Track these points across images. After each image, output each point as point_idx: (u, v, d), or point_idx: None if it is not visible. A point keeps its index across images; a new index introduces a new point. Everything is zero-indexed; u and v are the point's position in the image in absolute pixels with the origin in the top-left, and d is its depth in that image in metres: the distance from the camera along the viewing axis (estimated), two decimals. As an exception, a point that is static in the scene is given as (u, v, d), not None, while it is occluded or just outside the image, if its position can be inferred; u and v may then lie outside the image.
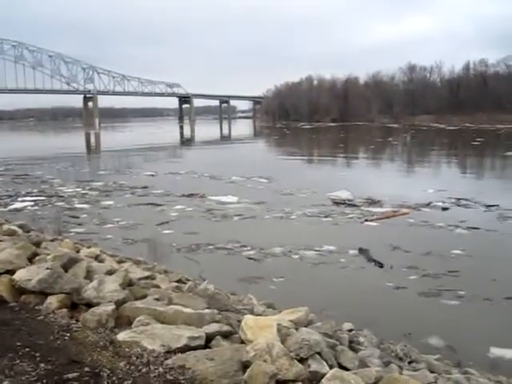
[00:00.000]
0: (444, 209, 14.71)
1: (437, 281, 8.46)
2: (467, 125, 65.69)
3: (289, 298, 6.66)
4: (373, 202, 15.51)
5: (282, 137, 57.92)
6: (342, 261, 9.80)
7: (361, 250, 10.24)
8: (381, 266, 9.36)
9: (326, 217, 13.76)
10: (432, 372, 4.51)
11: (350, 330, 5.61)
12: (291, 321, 4.28)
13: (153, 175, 23.61)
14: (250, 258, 10.03)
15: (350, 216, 13.78)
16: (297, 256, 10.14)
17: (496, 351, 6.05)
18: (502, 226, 12.48)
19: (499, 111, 70.58)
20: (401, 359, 4.84)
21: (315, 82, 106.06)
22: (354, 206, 15.14)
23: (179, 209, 15.19)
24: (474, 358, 5.73)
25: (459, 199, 15.82)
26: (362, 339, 5.20)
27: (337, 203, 15.51)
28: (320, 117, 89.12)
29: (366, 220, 13.21)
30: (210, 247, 10.75)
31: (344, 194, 16.48)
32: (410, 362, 4.81)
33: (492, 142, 44.26)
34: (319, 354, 3.41)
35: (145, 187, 19.47)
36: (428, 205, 15.09)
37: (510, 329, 6.68)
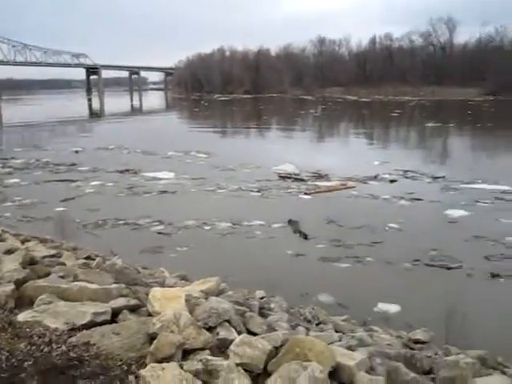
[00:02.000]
0: (392, 181, 14.91)
1: (351, 250, 8.76)
2: (377, 97, 68.16)
3: (204, 270, 6.64)
4: (320, 176, 15.42)
5: (203, 109, 56.78)
6: (267, 233, 9.84)
7: (290, 222, 10.28)
8: (305, 237, 9.47)
9: (265, 191, 13.61)
10: (338, 332, 4.73)
11: (262, 298, 5.73)
12: (202, 291, 4.30)
13: (77, 152, 21.68)
14: (160, 233, 9.89)
15: (293, 190, 13.70)
16: (219, 229, 10.11)
17: (382, 306, 6.58)
18: (444, 196, 12.87)
19: (403, 84, 74.00)
20: (309, 321, 5.02)
21: (227, 54, 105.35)
22: (301, 180, 15.00)
23: (96, 185, 14.46)
24: (361, 312, 6.20)
25: (406, 171, 16.09)
26: (272, 305, 5.33)
27: (283, 177, 15.28)
28: (233, 88, 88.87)
29: (307, 193, 13.17)
30: (121, 222, 10.49)
31: (289, 168, 16.31)
32: (317, 324, 5.01)
33: (409, 114, 46.16)
34: (228, 321, 3.44)
35: (73, 164, 18.10)
36: (375, 177, 15.24)
37: (397, 288, 7.20)
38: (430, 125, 32.65)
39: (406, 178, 15.28)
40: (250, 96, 78.37)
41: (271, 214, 10.89)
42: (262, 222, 10.37)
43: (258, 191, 13.50)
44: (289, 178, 15.15)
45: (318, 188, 13.73)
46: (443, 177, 14.95)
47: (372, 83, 76.73)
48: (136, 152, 21.19)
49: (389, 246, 8.84)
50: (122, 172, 16.36)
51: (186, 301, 3.53)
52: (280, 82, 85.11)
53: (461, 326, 5.41)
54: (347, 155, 21.26)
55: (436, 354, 4.41)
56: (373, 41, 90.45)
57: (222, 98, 74.89)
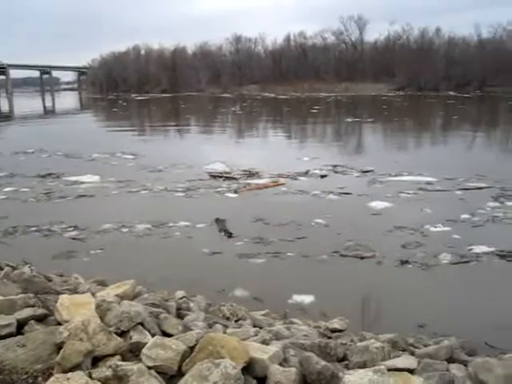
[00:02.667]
0: (322, 176, 15.07)
1: (272, 246, 8.77)
2: (293, 93, 69.40)
3: (122, 273, 6.48)
4: (251, 174, 15.32)
5: (122, 109, 54.85)
6: (190, 233, 9.68)
7: (216, 221, 10.17)
8: (230, 235, 9.40)
9: (193, 190, 13.33)
10: (256, 327, 4.78)
11: (182, 298, 5.68)
12: (117, 295, 4.19)
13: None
14: (75, 238, 9.48)
15: (223, 189, 13.52)
16: (139, 231, 9.82)
17: (297, 298, 6.75)
18: (371, 189, 13.17)
19: (318, 81, 76.00)
20: (228, 319, 5.04)
21: (143, 52, 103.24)
22: (233, 178, 14.83)
23: (9, 191, 13.43)
24: (276, 305, 6.33)
25: (335, 166, 16.33)
26: (192, 305, 5.30)
27: (214, 176, 15.05)
28: (150, 87, 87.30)
29: (237, 192, 13.07)
30: (33, 229, 9.94)
31: (220, 167, 16.12)
32: (236, 321, 5.04)
33: (328, 110, 47.13)
34: (142, 324, 3.38)
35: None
36: (306, 173, 15.32)
37: (312, 279, 7.41)
38: (349, 120, 33.59)
39: (336, 172, 15.59)
40: (168, 95, 77.25)
41: (198, 214, 10.75)
42: (186, 223, 10.19)
43: (186, 191, 13.25)
44: (220, 177, 15.02)
45: (248, 186, 13.72)
46: (372, 170, 15.36)
47: (288, 80, 78.13)
48: (58, 155, 19.91)
49: (311, 241, 8.99)
50: (43, 177, 15.33)
51: (97, 306, 3.43)
52: (197, 81, 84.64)
53: (375, 312, 5.66)
54: (276, 152, 21.33)
55: (352, 341, 4.56)
56: (287, 39, 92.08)
57: (140, 98, 73.21)
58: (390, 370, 3.21)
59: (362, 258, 8.18)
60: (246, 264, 8.08)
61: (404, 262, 7.92)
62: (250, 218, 10.46)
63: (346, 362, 3.79)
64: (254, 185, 13.88)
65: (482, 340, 5.27)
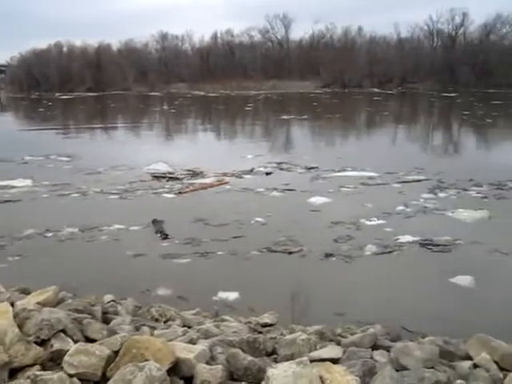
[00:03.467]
0: (267, 173, 15.07)
1: (205, 246, 8.68)
2: (223, 91, 69.12)
3: (46, 280, 6.24)
4: (195, 174, 14.98)
5: (49, 109, 51.51)
6: (122, 236, 9.38)
7: (154, 222, 9.88)
8: (165, 237, 9.20)
9: (131, 192, 12.87)
10: (186, 326, 4.75)
11: (110, 302, 5.54)
12: (39, 303, 4.03)
13: None
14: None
15: (165, 189, 13.15)
16: (66, 236, 9.42)
17: (222, 295, 6.80)
18: (313, 185, 13.30)
19: (246, 78, 76.26)
20: (157, 320, 4.98)
21: (65, 49, 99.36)
22: (176, 178, 14.44)
23: None
24: (200, 303, 6.33)
25: (280, 163, 16.35)
26: (119, 308, 5.20)
27: (157, 177, 14.56)
28: (74, 86, 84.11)
29: (181, 192, 12.75)
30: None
31: (162, 167, 15.67)
32: (165, 321, 4.98)
33: (262, 107, 47.08)
34: (64, 331, 3.28)
35: None
36: (251, 171, 15.24)
37: (239, 276, 7.49)
38: (285, 117, 33.74)
39: (281, 169, 15.65)
40: (93, 94, 74.66)
41: (135, 216, 10.44)
42: (120, 226, 9.83)
43: (125, 193, 12.81)
44: (163, 177, 14.62)
45: (192, 186, 13.44)
46: (316, 167, 15.53)
47: (216, 78, 77.77)
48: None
49: (245, 239, 8.97)
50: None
51: (16, 315, 3.28)
52: (123, 79, 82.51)
53: (304, 305, 5.78)
54: (218, 151, 21.14)
55: (281, 335, 4.63)
56: (214, 36, 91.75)
57: (65, 97, 70.05)
58: (314, 360, 3.29)
59: (290, 253, 8.31)
60: (172, 264, 8.00)
61: (328, 255, 8.12)
62: (191, 219, 10.28)
63: (275, 356, 3.85)
64: (197, 184, 13.63)
65: (402, 325, 5.52)
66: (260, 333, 4.83)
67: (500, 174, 13.95)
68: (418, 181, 13.63)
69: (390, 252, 8.29)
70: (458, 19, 78.51)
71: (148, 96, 66.44)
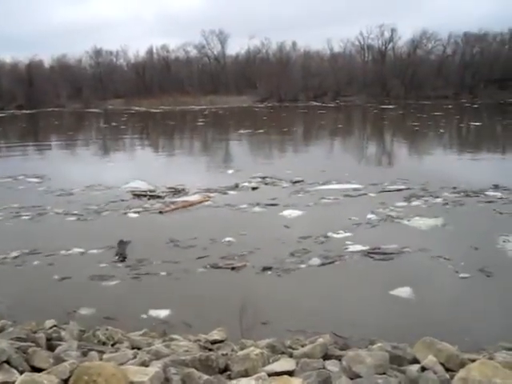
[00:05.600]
0: (253, 188, 14.84)
1: (155, 267, 8.42)
2: (162, 107, 68.08)
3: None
4: (177, 191, 14.43)
5: None
6: (79, 259, 8.94)
7: (120, 243, 9.45)
8: (123, 259, 8.82)
9: (106, 212, 12.36)
10: (134, 348, 4.63)
11: (52, 327, 5.32)
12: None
13: None
14: None
15: (143, 209, 12.64)
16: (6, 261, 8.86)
17: (152, 312, 6.71)
18: (297, 199, 13.20)
19: (183, 94, 76.02)
20: (104, 343, 4.82)
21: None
22: (158, 197, 13.88)
23: None
24: (129, 321, 6.18)
25: (264, 178, 16.11)
26: (63, 333, 4.99)
27: (137, 196, 13.97)
28: (4, 103, 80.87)
29: (161, 212, 12.25)
30: None
31: (141, 185, 15.12)
32: (113, 345, 4.84)
33: (215, 122, 46.73)
34: (8, 362, 3.12)
35: None
36: (236, 187, 14.90)
37: (170, 293, 7.44)
38: (243, 132, 33.59)
39: (266, 184, 15.46)
40: (27, 111, 71.72)
41: (102, 238, 9.89)
42: (79, 249, 9.31)
43: (98, 213, 12.28)
44: (144, 195, 14.04)
45: (173, 205, 12.94)
46: (302, 181, 15.46)
47: (153, 94, 77.08)
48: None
49: (204, 260, 8.71)
50: None
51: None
52: (57, 96, 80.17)
53: (251, 319, 5.78)
54: (195, 166, 20.72)
55: (232, 351, 4.61)
56: (150, 51, 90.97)
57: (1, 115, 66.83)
58: (270, 375, 3.29)
59: (233, 268, 8.27)
60: (109, 286, 7.75)
61: (265, 269, 8.12)
62: (162, 239, 9.83)
63: (229, 373, 3.82)
64: (180, 203, 13.13)
65: (349, 334, 5.63)
66: (211, 350, 4.79)
67: (466, 182, 14.56)
68: (400, 190, 13.96)
69: (331, 263, 8.40)
70: (387, 35, 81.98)
71: (86, 113, 64.61)
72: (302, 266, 8.31)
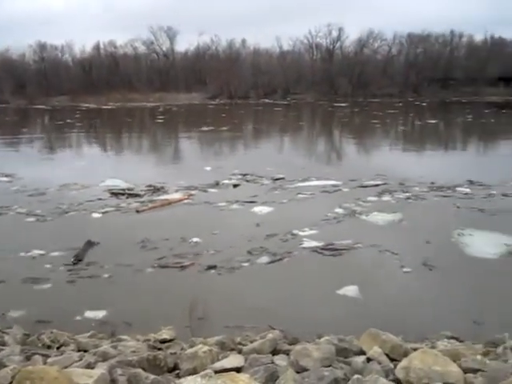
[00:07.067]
0: (235, 186, 14.64)
1: (105, 270, 8.19)
2: (111, 103, 66.26)
3: None
4: (156, 190, 13.99)
5: None
6: (32, 261, 8.57)
7: (87, 244, 9.13)
8: (78, 262, 8.48)
9: (79, 212, 11.83)
10: (81, 350, 4.54)
11: (-4, 332, 5.15)
12: None
13: None
14: None
15: (121, 208, 12.21)
16: None
17: (89, 314, 6.56)
18: (276, 196, 13.15)
19: (132, 91, 74.69)
20: (49, 347, 4.71)
21: None
22: (136, 195, 13.42)
23: None
24: (65, 324, 5.94)
25: (245, 175, 15.92)
26: (6, 338, 4.85)
27: (115, 194, 13.50)
28: None
29: (138, 211, 11.84)
30: None
31: (119, 184, 14.65)
32: (58, 347, 4.72)
33: (174, 119, 45.94)
34: None
35: None
36: (217, 184, 14.67)
37: (110, 293, 7.31)
38: (206, 129, 33.15)
39: (248, 181, 15.31)
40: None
41: (68, 239, 9.48)
42: (39, 251, 8.90)
43: (63, 214, 11.74)
44: (122, 194, 13.59)
45: (152, 203, 12.55)
46: (283, 178, 15.40)
47: (99, 91, 75.25)
48: None
49: (160, 260, 8.53)
50: None
51: None
52: (0, 91, 77.18)
53: (200, 317, 5.79)
54: (171, 164, 20.30)
55: (182, 349, 4.59)
56: (97, 47, 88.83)
57: None
58: (218, 371, 3.31)
59: (183, 267, 8.21)
60: (44, 288, 7.49)
61: (211, 267, 8.10)
62: (130, 241, 9.49)
63: (178, 371, 3.81)
64: (158, 201, 12.76)
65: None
66: (160, 349, 4.75)
67: (443, 177, 14.97)
68: (376, 185, 14.20)
69: (280, 260, 8.46)
70: (334, 34, 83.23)
71: (33, 109, 62.08)
72: (251, 264, 8.30)
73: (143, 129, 38.84)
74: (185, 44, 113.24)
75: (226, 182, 15.16)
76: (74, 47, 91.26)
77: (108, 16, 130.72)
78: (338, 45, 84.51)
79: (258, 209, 11.88)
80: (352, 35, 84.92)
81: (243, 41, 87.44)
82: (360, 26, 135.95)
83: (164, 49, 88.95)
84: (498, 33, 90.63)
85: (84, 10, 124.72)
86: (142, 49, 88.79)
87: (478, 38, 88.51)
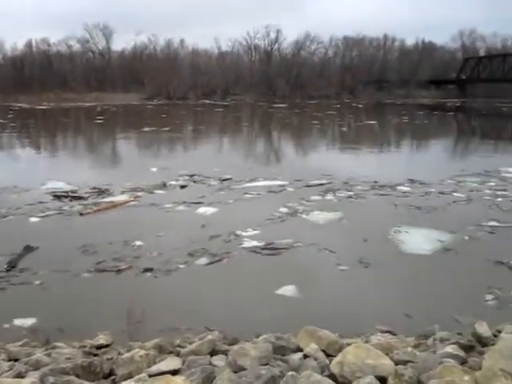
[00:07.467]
0: (182, 187, 14.39)
1: (37, 276, 7.89)
2: (46, 103, 63.96)
3: None
4: (101, 192, 13.47)
5: None
6: None
7: (26, 249, 8.74)
8: (12, 267, 8.10)
9: (17, 216, 11.28)
10: (12, 360, 4.36)
11: None
12: None
13: None
14: None
15: (64, 211, 11.70)
16: None
17: (18, 322, 6.31)
18: (222, 196, 13.08)
19: (65, 90, 72.50)
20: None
21: None
22: (80, 198, 12.85)
23: None
24: None
25: (192, 175, 15.65)
26: None
27: (58, 197, 12.88)
28: None
29: (82, 214, 11.35)
30: None
31: (62, 186, 14.08)
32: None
33: (113, 120, 44.90)
34: None
35: None
36: (164, 185, 14.34)
37: (43, 300, 7.08)
38: (147, 129, 32.66)
39: (195, 182, 15.09)
40: None
41: (5, 244, 9.06)
42: None
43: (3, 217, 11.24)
44: (66, 196, 13.01)
45: (96, 206, 12.10)
46: (230, 178, 15.32)
47: (32, 90, 72.46)
48: None
49: (101, 264, 8.28)
50: None
51: None
52: None
53: (139, 321, 5.69)
54: (115, 165, 19.83)
55: (119, 354, 4.50)
56: (29, 45, 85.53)
57: None
58: (154, 375, 3.27)
59: (119, 270, 8.05)
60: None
61: (147, 270, 7.99)
62: (74, 245, 9.13)
63: (114, 377, 3.73)
64: (103, 204, 12.32)
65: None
66: (96, 355, 4.64)
67: (385, 177, 15.45)
68: (321, 185, 14.45)
69: (219, 260, 8.45)
70: (272, 35, 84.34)
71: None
72: (188, 265, 8.23)
73: (83, 129, 37.82)
74: (122, 43, 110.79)
75: (174, 183, 14.96)
76: (5, 44, 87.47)
77: (41, 13, 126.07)
78: (275, 46, 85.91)
79: (204, 210, 11.84)
80: (290, 37, 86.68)
81: (182, 41, 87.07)
82: (297, 29, 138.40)
83: (100, 47, 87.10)
84: (428, 37, 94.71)
85: (16, 6, 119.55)
86: (76, 47, 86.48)
87: (410, 42, 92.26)
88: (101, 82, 78.77)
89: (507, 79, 79.38)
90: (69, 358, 4.35)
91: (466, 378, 3.14)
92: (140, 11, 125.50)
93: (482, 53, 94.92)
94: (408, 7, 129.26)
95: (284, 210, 11.72)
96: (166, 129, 33.52)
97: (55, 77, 76.30)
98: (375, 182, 14.88)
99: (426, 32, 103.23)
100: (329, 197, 13.13)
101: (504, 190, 13.89)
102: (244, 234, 9.88)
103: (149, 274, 7.90)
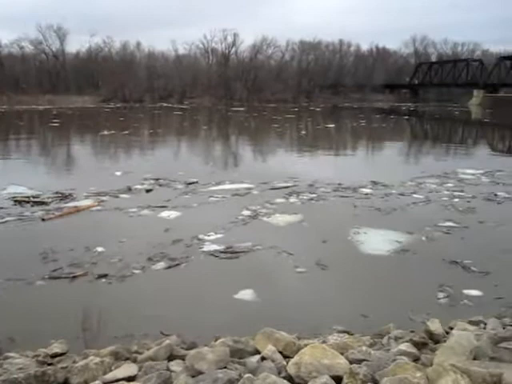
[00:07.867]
0: (148, 191, 14.11)
1: None
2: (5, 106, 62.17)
3: None
4: (64, 197, 13.04)
5: None
6: None
7: None
8: None
9: None
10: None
11: None
12: None
13: None
14: None
15: (25, 217, 11.22)
16: None
17: None
18: (188, 200, 12.94)
19: (17, 93, 70.49)
20: None
21: None
22: (42, 203, 12.37)
23: None
24: None
25: (158, 179, 15.36)
26: None
27: (19, 202, 12.41)
28: None
29: (43, 219, 10.97)
30: None
31: (23, 191, 13.60)
32: None
33: (69, 122, 43.87)
34: None
35: None
36: (129, 190, 13.99)
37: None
38: (107, 133, 32.08)
39: (161, 185, 14.82)
40: None
41: None
42: None
43: None
44: (27, 202, 12.53)
45: (58, 211, 11.72)
46: (196, 182, 15.16)
47: (-17, 92, 70.22)
48: None
49: (58, 271, 8.05)
50: None
51: None
52: None
53: (95, 328, 5.57)
54: (78, 169, 19.16)
55: (74, 362, 4.41)
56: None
57: None
58: (109, 382, 3.22)
59: (74, 277, 7.86)
60: None
61: (102, 276, 7.84)
62: (34, 251, 8.85)
63: (68, 385, 3.66)
64: (65, 209, 11.94)
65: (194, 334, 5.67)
66: (50, 364, 4.54)
67: (349, 179, 15.70)
68: (286, 187, 14.56)
69: (178, 265, 8.37)
70: (230, 39, 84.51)
71: None
72: (144, 271, 8.12)
73: (39, 133, 36.74)
74: (76, 45, 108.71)
75: (139, 187, 14.69)
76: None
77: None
78: (233, 50, 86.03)
79: (168, 214, 11.72)
80: (247, 41, 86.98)
81: (138, 43, 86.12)
82: (254, 33, 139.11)
83: (54, 49, 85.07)
84: (382, 43, 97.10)
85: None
86: (29, 49, 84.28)
87: (365, 47, 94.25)
88: (55, 84, 77.04)
89: (457, 84, 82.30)
90: (21, 368, 4.24)
91: (418, 374, 3.23)
92: (95, 12, 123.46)
93: (433, 58, 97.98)
94: (363, 13, 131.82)
95: (247, 212, 11.75)
96: (126, 132, 33.12)
97: (7, 79, 74.04)
98: (339, 184, 15.14)
99: (379, 37, 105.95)
100: (292, 199, 13.24)
101: (461, 191, 14.38)
102: (206, 237, 9.84)
103: (102, 280, 7.75)
